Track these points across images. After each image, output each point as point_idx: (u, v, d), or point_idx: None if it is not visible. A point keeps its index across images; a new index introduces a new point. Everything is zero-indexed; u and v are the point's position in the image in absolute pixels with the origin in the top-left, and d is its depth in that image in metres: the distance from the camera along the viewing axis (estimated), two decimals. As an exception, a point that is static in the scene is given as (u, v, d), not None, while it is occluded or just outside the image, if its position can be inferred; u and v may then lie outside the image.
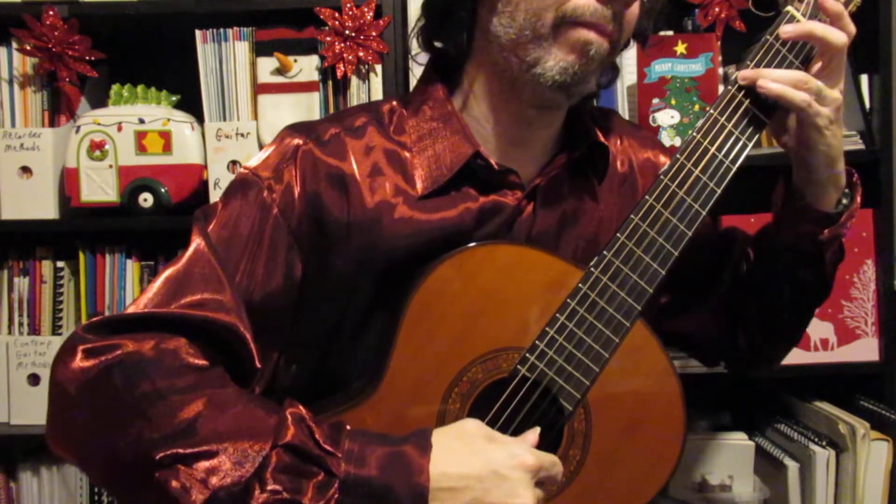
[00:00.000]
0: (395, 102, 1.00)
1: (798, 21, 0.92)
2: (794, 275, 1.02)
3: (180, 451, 0.73)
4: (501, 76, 0.93)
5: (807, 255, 1.00)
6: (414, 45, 1.03)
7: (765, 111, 0.92)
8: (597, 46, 0.87)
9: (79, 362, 0.78)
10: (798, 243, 0.99)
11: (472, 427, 0.82)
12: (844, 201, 0.97)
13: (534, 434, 0.85)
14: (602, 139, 0.99)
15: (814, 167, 0.94)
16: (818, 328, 1.60)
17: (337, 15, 1.57)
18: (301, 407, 0.79)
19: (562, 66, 0.87)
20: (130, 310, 0.83)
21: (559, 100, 0.93)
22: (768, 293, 1.05)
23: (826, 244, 0.98)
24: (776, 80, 0.89)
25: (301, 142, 0.93)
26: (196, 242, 0.87)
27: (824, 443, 1.48)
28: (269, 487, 0.72)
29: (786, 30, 0.91)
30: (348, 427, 0.79)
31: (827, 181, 0.95)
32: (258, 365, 0.86)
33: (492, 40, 0.91)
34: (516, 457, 0.79)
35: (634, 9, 0.90)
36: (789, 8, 0.93)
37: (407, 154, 0.94)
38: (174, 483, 0.73)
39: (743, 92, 0.91)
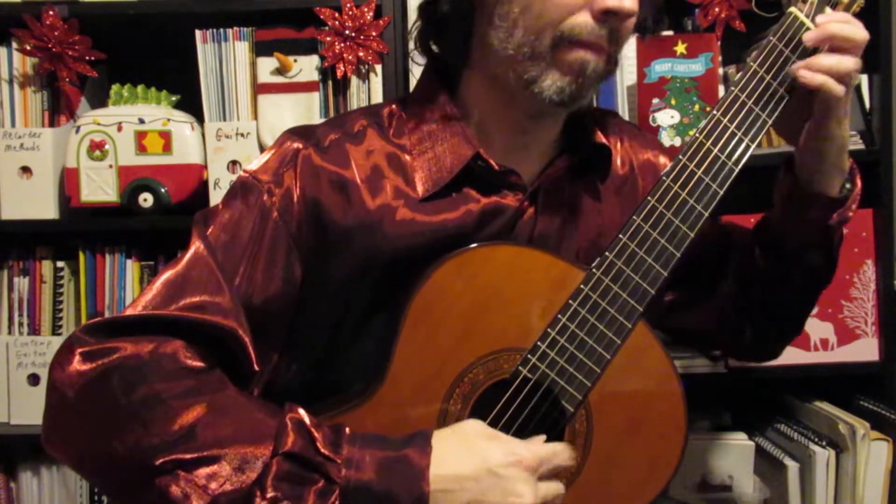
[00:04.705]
0: (394, 106, 1.00)
1: (805, 24, 0.93)
2: (803, 261, 1.05)
3: (180, 456, 0.74)
4: (499, 86, 0.93)
5: (815, 240, 1.03)
6: (411, 46, 1.03)
7: (768, 112, 0.92)
8: (594, 65, 0.88)
9: (76, 365, 0.78)
10: (806, 230, 1.02)
11: (472, 427, 0.82)
12: (847, 185, 1.00)
13: (538, 441, 0.85)
14: (603, 140, 0.99)
15: (826, 156, 0.96)
16: (818, 328, 1.60)
17: (337, 15, 1.57)
18: (301, 411, 0.79)
19: (559, 87, 0.88)
20: (128, 312, 0.82)
21: (557, 112, 0.94)
22: (777, 282, 1.07)
23: (834, 228, 1.01)
24: (820, 70, 0.90)
25: (301, 146, 0.93)
26: (195, 245, 0.87)
27: (824, 443, 1.48)
28: (270, 495, 0.73)
29: (808, 36, 0.92)
30: (348, 430, 0.79)
31: (834, 167, 0.98)
32: (256, 367, 0.86)
33: (489, 51, 0.91)
34: (513, 454, 0.80)
35: (630, 22, 0.90)
36: (792, 9, 0.93)
37: (407, 157, 0.95)
38: (174, 489, 0.73)
39: (746, 93, 0.91)
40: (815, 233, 1.01)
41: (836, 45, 0.92)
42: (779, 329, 1.15)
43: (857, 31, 0.92)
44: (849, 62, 0.90)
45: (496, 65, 0.91)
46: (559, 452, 0.84)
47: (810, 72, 0.90)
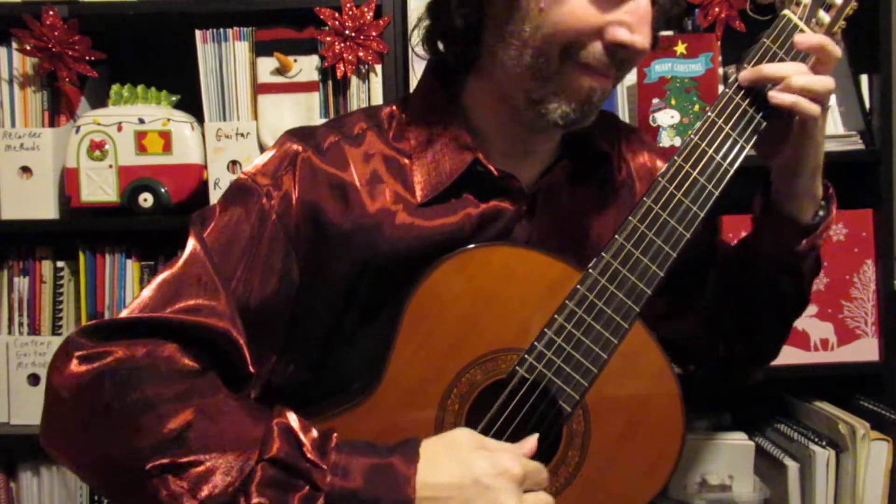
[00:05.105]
0: (394, 107, 0.99)
1: (798, 26, 0.92)
2: (773, 285, 1.03)
3: (169, 460, 0.74)
4: (503, 99, 0.92)
5: (785, 265, 1.01)
6: (414, 40, 1.02)
7: (762, 114, 0.92)
8: (600, 93, 0.89)
9: (72, 368, 0.78)
10: (777, 254, 1.00)
11: (462, 437, 0.82)
12: (821, 213, 0.99)
13: (532, 440, 0.85)
14: (604, 148, 0.99)
15: (798, 178, 0.95)
16: (818, 328, 1.60)
17: (337, 15, 1.57)
18: (290, 415, 0.79)
19: (563, 111, 0.88)
20: (124, 314, 0.82)
21: (559, 131, 0.94)
22: (749, 303, 1.06)
23: (803, 255, 1.00)
24: (790, 90, 0.88)
25: (300, 148, 0.92)
26: (192, 247, 0.87)
27: (824, 443, 1.48)
28: (255, 501, 0.73)
29: (800, 39, 0.91)
30: (336, 436, 0.79)
31: (806, 193, 0.96)
32: (252, 370, 0.86)
33: (496, 66, 0.90)
34: (499, 465, 0.79)
35: (639, 58, 0.89)
36: (786, 12, 0.93)
37: (406, 161, 0.94)
38: (164, 492, 0.73)
39: (740, 94, 0.92)
40: (784, 257, 1.00)
41: (819, 59, 0.91)
42: (750, 351, 1.13)
43: (837, 49, 0.91)
44: (823, 82, 0.89)
45: (503, 80, 0.91)
46: (542, 470, 0.84)
47: (782, 93, 0.89)
